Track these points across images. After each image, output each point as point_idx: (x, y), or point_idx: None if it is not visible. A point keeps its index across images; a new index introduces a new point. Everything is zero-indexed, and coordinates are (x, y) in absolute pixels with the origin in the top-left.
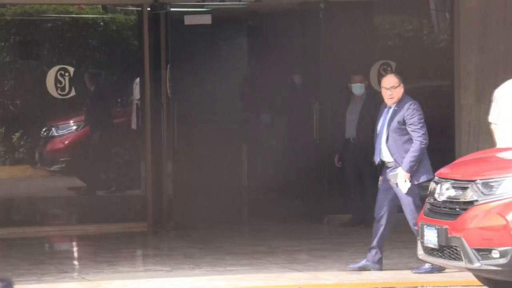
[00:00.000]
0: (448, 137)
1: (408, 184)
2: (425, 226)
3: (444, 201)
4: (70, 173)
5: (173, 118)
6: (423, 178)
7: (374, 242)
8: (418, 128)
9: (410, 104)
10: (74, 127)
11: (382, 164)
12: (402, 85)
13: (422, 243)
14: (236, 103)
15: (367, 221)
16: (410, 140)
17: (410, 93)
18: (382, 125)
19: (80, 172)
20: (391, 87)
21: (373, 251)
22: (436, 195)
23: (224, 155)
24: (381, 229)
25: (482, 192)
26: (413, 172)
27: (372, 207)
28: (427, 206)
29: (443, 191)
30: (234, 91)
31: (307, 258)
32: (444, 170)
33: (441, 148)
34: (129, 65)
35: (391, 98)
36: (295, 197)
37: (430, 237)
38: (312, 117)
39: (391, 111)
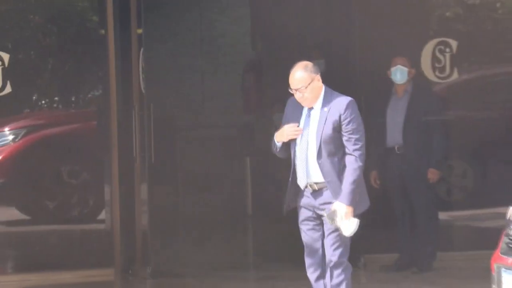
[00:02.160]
0: None
1: (355, 222)
2: (503, 269)
3: None
4: (5, 200)
5: (149, 123)
6: (361, 208)
7: None
8: (358, 138)
9: (349, 102)
10: (10, 137)
11: (298, 191)
12: (317, 76)
13: None
14: (236, 100)
15: (421, 262)
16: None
17: (478, 83)
18: (304, 135)
19: (19, 199)
20: (300, 88)
21: None
22: None
23: (220, 172)
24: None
25: None
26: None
27: (428, 242)
28: (504, 241)
29: None
30: (234, 85)
31: None
32: None
33: None
34: (86, 49)
35: (304, 100)
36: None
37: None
38: None
39: (316, 113)
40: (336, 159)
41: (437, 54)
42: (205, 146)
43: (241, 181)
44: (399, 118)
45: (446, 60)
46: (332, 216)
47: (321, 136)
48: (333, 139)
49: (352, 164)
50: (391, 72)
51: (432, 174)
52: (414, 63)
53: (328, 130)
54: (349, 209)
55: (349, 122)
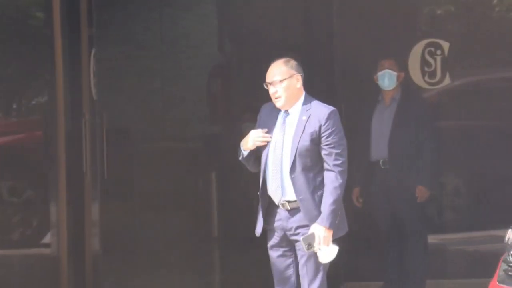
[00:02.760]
0: None
1: (335, 249)
2: None
3: None
4: None
5: (101, 133)
6: (339, 233)
7: None
8: (339, 152)
9: (331, 112)
10: None
11: (268, 208)
12: (297, 75)
13: None
14: (201, 109)
15: None
16: (322, 171)
17: (472, 90)
18: (278, 144)
19: None
20: (274, 82)
21: None
22: None
23: (183, 190)
24: None
25: None
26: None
27: (416, 269)
28: (502, 267)
29: None
30: (198, 91)
31: None
32: None
33: None
34: (29, 50)
35: (277, 98)
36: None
37: None
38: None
39: (293, 120)
40: (311, 174)
41: (427, 57)
42: (165, 160)
43: (206, 200)
44: (385, 129)
45: (437, 63)
46: (309, 240)
47: (297, 147)
48: (310, 152)
49: (333, 181)
50: (378, 77)
51: (421, 192)
52: (401, 66)
53: (305, 141)
54: (329, 233)
55: (330, 134)
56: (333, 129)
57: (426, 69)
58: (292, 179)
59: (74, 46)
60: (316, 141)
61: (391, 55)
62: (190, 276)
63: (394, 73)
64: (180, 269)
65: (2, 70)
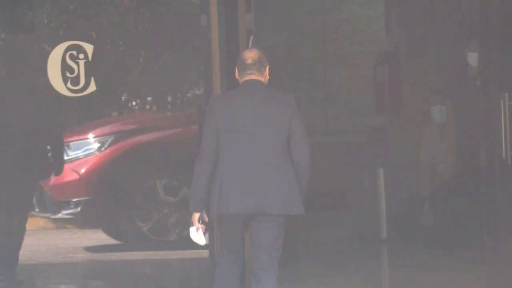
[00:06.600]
0: None
1: (191, 229)
2: None
3: None
4: (91, 222)
5: None
6: (210, 215)
7: None
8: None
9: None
10: (96, 145)
11: None
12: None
13: None
14: (367, 99)
15: None
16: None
17: None
18: None
19: (107, 220)
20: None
21: None
22: None
23: (346, 188)
24: None
25: None
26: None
27: None
28: None
29: None
30: (364, 80)
31: None
32: None
33: None
34: (184, 39)
35: None
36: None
37: None
38: (498, 120)
39: None
40: None
41: None
42: (324, 156)
43: (374, 198)
44: None
45: None
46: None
47: None
48: None
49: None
50: None
51: None
52: None
53: None
54: (191, 215)
55: None
56: None
57: None
58: None
59: (231, 34)
60: None
61: None
62: (355, 279)
63: None
64: (347, 272)
65: (156, 61)
